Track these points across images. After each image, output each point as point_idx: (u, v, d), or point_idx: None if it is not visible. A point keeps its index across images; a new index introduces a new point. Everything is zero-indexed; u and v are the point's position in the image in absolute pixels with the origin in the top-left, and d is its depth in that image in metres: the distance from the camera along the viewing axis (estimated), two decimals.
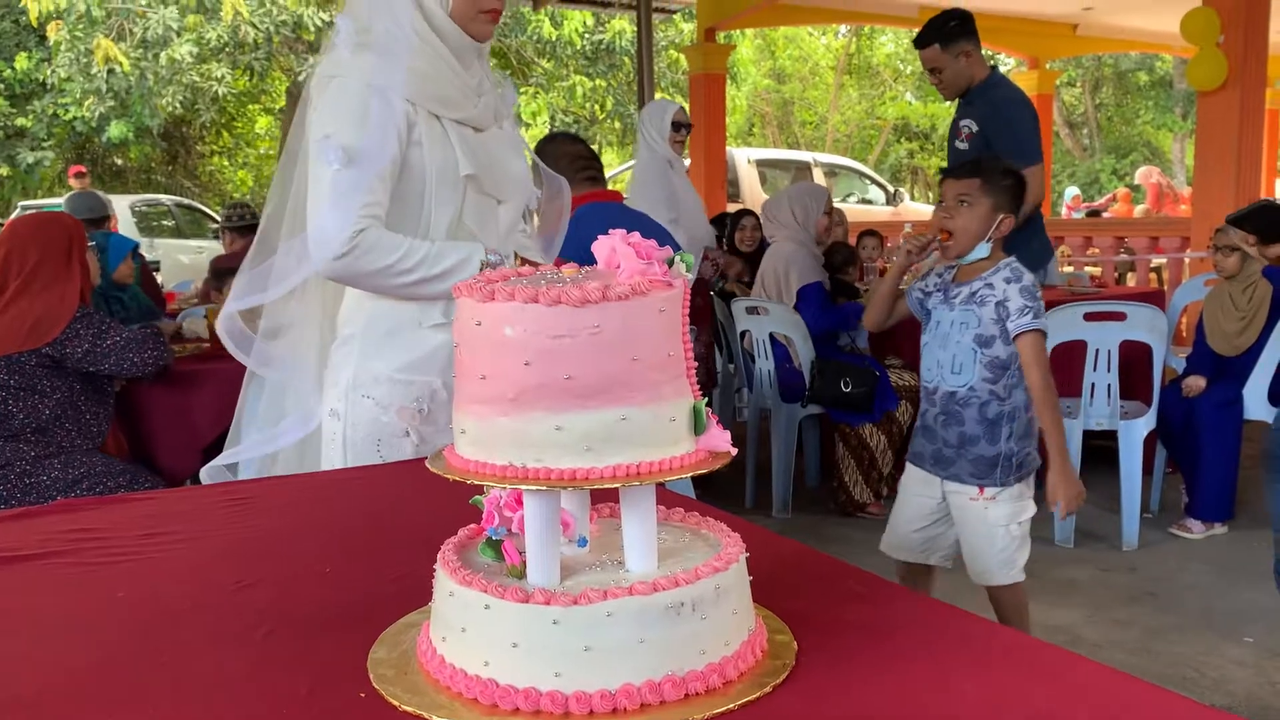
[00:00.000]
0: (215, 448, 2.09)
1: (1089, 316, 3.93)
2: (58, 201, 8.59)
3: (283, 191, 1.94)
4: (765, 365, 4.40)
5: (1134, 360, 4.01)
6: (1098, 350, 3.89)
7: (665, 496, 1.12)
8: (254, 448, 2.02)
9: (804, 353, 4.22)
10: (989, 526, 2.45)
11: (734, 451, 0.96)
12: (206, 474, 2.04)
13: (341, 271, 1.81)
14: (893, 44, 23.09)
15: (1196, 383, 3.99)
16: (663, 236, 3.13)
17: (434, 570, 0.96)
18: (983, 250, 2.43)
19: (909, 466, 2.60)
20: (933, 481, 2.52)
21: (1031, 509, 2.50)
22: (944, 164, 4.21)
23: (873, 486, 4.26)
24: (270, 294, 1.91)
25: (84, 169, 10.28)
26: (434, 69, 1.86)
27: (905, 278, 2.67)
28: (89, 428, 3.07)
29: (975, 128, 3.88)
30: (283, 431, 2.00)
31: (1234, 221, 2.32)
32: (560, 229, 2.24)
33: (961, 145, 3.93)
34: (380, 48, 1.81)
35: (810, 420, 4.55)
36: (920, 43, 3.97)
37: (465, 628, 0.90)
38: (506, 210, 2.00)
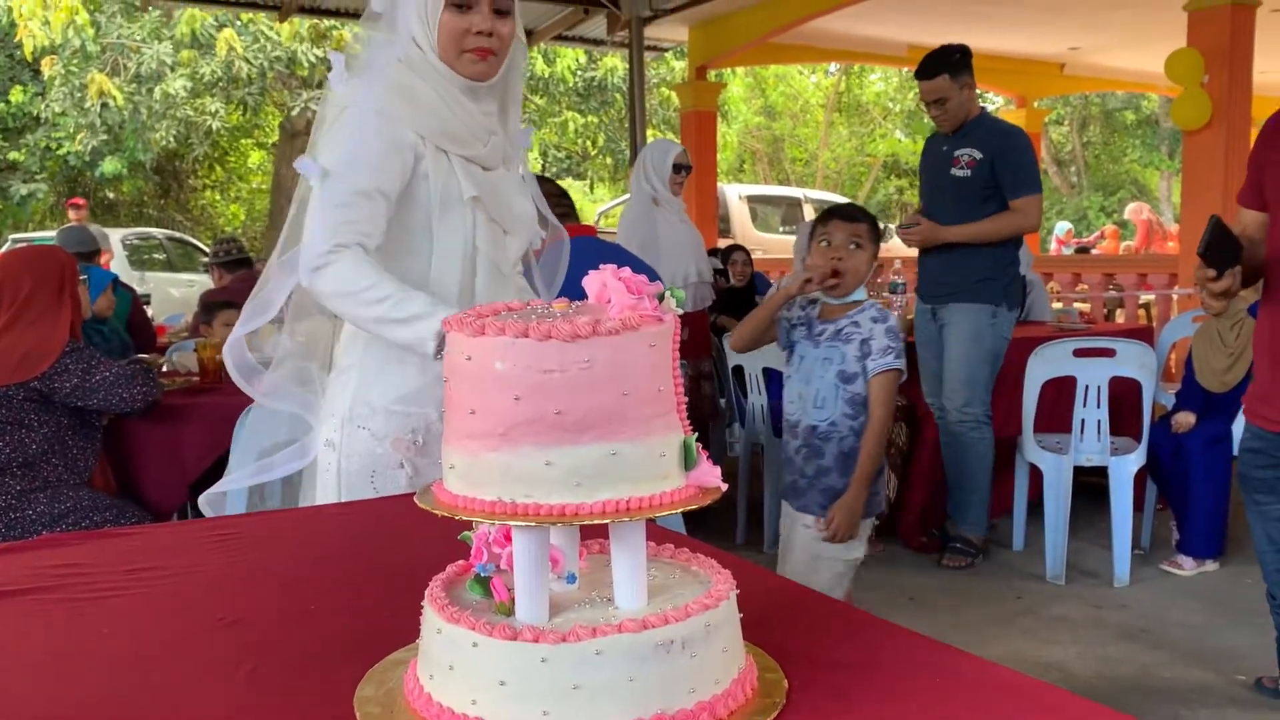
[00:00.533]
0: (203, 482, 2.08)
1: (1079, 353, 3.95)
2: (50, 234, 8.58)
3: (286, 225, 1.94)
4: (759, 400, 4.39)
5: (1123, 396, 4.03)
6: (1087, 386, 3.91)
7: (655, 532, 1.11)
8: (248, 476, 2.01)
9: None
10: (817, 559, 2.44)
11: (724, 487, 0.96)
12: (205, 500, 2.03)
13: (314, 284, 1.79)
14: (882, 82, 23.32)
15: (1186, 419, 4.00)
16: (639, 269, 3.15)
17: (422, 607, 0.95)
18: (861, 293, 2.48)
19: (784, 504, 2.59)
20: (797, 517, 2.52)
21: (860, 550, 2.49)
22: None
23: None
24: (265, 316, 1.90)
25: (82, 201, 10.25)
26: (441, 103, 1.87)
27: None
28: (76, 462, 3.05)
29: (979, 155, 3.93)
30: (278, 462, 1.99)
31: (1201, 254, 2.36)
32: (559, 269, 2.25)
33: (962, 173, 3.96)
34: (374, 76, 1.83)
35: None
36: (927, 73, 3.98)
37: (453, 665, 0.89)
38: (513, 242, 2.01)
